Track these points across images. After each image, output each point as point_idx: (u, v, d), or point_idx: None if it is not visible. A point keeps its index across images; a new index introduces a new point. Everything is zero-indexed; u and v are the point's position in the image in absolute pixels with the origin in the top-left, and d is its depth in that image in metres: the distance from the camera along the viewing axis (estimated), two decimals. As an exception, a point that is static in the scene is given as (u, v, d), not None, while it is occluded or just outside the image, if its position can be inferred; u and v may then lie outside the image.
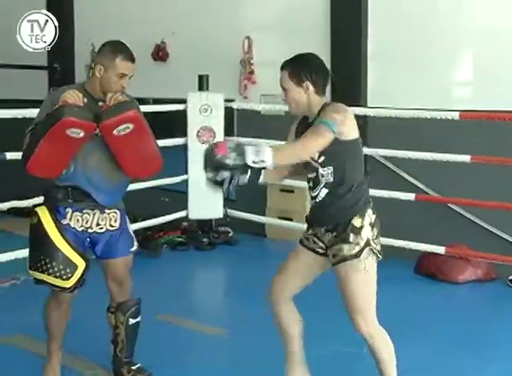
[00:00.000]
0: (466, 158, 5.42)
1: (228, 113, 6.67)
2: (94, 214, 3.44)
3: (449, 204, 6.04)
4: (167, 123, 6.92)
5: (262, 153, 2.73)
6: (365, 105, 6.38)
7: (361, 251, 3.01)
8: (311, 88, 3.06)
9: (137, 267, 5.87)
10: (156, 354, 3.89)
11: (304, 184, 6.28)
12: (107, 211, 3.48)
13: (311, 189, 3.16)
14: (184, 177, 6.51)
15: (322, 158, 3.06)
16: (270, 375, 3.63)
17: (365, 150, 6.18)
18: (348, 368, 3.86)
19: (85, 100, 3.29)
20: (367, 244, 3.03)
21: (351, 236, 3.02)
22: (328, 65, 6.40)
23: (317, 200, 3.13)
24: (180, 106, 6.43)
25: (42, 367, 3.61)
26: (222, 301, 5.26)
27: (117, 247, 3.52)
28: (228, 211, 6.61)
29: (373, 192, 5.84)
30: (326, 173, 3.07)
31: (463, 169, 5.67)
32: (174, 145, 6.31)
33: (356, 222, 3.03)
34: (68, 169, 3.34)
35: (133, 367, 3.60)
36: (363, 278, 3.02)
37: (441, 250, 5.57)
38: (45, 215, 3.32)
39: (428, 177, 6.17)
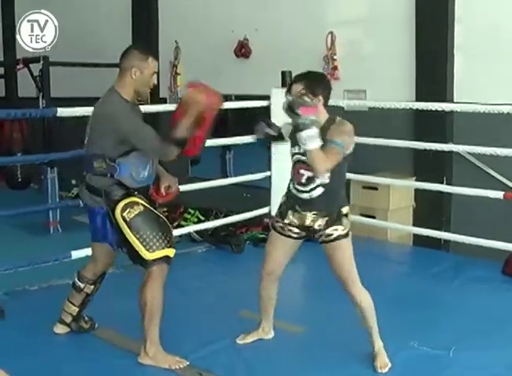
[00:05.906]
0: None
1: (312, 109, 6.62)
2: None
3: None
4: (251, 119, 6.92)
5: (312, 140, 3.33)
6: (451, 100, 6.24)
7: (348, 232, 3.67)
8: (322, 100, 3.59)
9: (220, 262, 5.97)
10: (239, 351, 3.92)
11: (388, 181, 6.27)
12: None
13: (304, 185, 3.65)
14: (267, 173, 6.51)
15: None
16: (349, 373, 3.63)
17: (452, 147, 6.07)
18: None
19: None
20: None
21: (344, 221, 3.67)
22: (413, 59, 6.42)
23: (311, 194, 3.64)
24: (264, 103, 6.43)
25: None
26: (303, 299, 5.25)
27: None
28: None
29: (459, 189, 5.81)
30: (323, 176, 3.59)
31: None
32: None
33: (344, 209, 3.71)
34: (147, 172, 3.67)
35: (86, 318, 4.20)
36: (349, 253, 3.68)
37: (530, 250, 5.39)
38: (143, 202, 3.65)
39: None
